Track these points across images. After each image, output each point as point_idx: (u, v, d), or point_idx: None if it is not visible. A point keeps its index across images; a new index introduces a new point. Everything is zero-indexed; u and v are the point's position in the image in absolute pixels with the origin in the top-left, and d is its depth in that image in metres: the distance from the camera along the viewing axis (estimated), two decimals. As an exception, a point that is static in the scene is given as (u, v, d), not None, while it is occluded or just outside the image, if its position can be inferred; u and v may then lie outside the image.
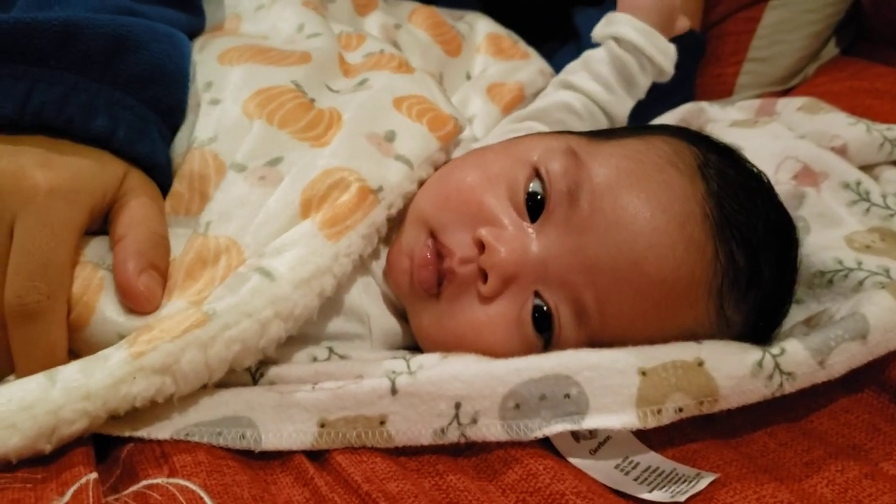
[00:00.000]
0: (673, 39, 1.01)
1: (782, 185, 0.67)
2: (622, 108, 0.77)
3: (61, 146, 0.51)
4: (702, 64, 1.05)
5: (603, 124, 0.77)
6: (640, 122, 0.96)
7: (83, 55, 0.53)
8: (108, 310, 0.50)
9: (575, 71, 0.78)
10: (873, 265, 0.59)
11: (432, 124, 0.63)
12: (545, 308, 0.53)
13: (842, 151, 0.71)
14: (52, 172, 0.50)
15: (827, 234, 0.63)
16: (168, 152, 0.58)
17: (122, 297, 0.50)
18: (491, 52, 0.93)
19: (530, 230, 0.54)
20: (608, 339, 0.52)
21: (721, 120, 0.83)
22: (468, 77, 0.91)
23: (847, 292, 0.59)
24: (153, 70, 0.57)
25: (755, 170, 0.59)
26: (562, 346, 0.53)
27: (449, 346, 0.54)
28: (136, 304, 0.50)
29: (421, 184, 0.61)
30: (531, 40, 0.97)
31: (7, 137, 0.51)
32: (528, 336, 0.53)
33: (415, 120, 0.63)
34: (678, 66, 1.01)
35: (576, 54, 0.94)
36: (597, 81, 0.76)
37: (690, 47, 1.03)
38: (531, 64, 0.92)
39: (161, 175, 0.57)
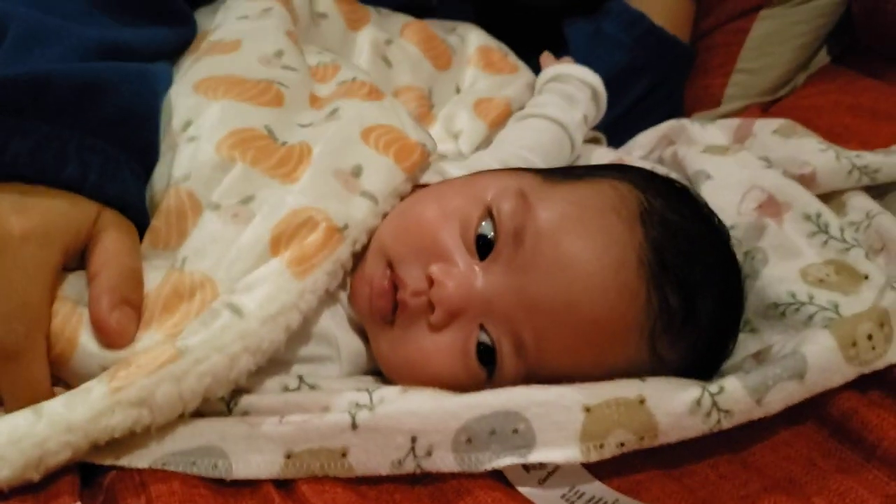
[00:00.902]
0: (664, 50, 1.03)
1: (745, 215, 0.70)
2: (571, 118, 0.84)
3: (35, 191, 0.54)
4: (690, 75, 1.07)
5: (558, 134, 0.82)
6: (628, 134, 0.98)
7: (54, 105, 0.56)
8: (88, 344, 0.53)
9: (524, 109, 0.87)
10: (824, 300, 0.62)
11: (398, 155, 0.66)
12: (489, 342, 0.57)
13: (811, 178, 0.73)
14: (24, 218, 0.53)
15: (784, 265, 0.66)
16: (143, 191, 0.61)
17: (96, 333, 0.53)
18: (481, 66, 0.95)
19: (478, 268, 0.57)
20: (544, 373, 0.55)
21: (699, 141, 0.85)
22: (458, 90, 0.94)
23: (798, 325, 0.62)
24: (123, 112, 0.60)
25: (704, 211, 0.61)
26: (504, 376, 0.56)
27: (402, 370, 0.58)
28: (109, 339, 0.53)
29: (385, 216, 0.64)
30: (522, 51, 1.00)
31: None
32: (472, 366, 0.57)
33: (381, 152, 0.66)
34: (666, 78, 1.04)
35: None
36: (543, 104, 0.85)
37: (679, 59, 1.05)
38: (519, 78, 0.94)
39: (136, 214, 0.59)
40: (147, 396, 0.51)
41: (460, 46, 0.97)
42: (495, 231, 0.58)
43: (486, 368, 0.57)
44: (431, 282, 0.57)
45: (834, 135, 0.83)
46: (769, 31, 1.03)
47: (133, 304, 0.55)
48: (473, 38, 0.98)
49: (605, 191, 0.59)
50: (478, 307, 0.56)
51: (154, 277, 0.58)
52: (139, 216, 0.60)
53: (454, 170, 0.71)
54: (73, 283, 0.56)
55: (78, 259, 0.57)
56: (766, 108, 1.03)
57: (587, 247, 0.55)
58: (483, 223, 0.59)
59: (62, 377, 0.55)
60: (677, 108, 1.04)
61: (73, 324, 0.54)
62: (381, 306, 0.59)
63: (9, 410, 0.51)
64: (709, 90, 1.05)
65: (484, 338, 0.57)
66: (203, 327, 0.54)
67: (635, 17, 1.02)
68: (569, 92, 0.87)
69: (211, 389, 0.53)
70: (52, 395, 0.52)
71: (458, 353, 0.57)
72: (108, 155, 0.58)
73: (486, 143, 0.86)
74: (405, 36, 0.95)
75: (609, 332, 0.55)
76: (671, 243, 0.56)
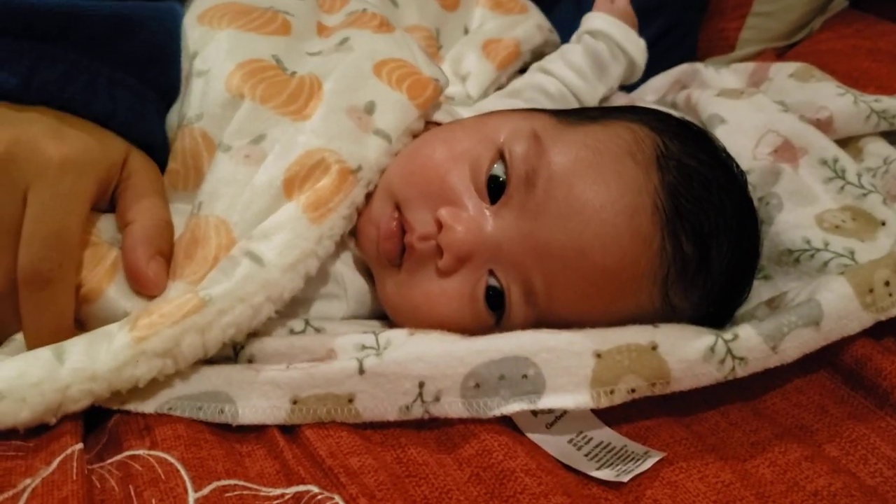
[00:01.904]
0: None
1: (760, 160, 0.68)
2: (593, 94, 0.82)
3: (69, 119, 0.54)
4: (704, 18, 1.04)
5: (573, 105, 0.81)
6: (640, 78, 0.96)
7: (85, 37, 0.55)
8: (117, 289, 0.53)
9: (552, 60, 0.84)
10: (839, 247, 0.61)
11: (412, 91, 0.64)
12: (498, 287, 0.55)
13: (828, 123, 0.72)
14: (63, 144, 0.52)
15: (799, 211, 0.64)
16: (165, 131, 0.61)
17: (132, 283, 0.53)
18: (489, 6, 0.93)
19: (488, 212, 0.56)
20: (554, 320, 0.54)
21: (713, 85, 0.83)
22: (466, 31, 0.92)
23: (812, 272, 0.61)
24: (154, 50, 0.59)
25: (722, 156, 0.60)
26: (512, 323, 0.56)
27: (407, 313, 0.57)
28: (146, 288, 0.53)
29: (396, 155, 0.62)
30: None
31: (17, 107, 0.53)
32: (480, 312, 0.56)
33: (394, 87, 0.64)
34: (681, 20, 1.01)
35: (574, 9, 0.94)
36: (571, 68, 0.81)
37: (693, 2, 1.02)
38: (529, 18, 0.92)
39: (159, 152, 0.59)
40: (172, 347, 0.51)
41: (469, -15, 0.94)
42: (507, 174, 0.56)
43: (495, 314, 0.56)
44: (440, 225, 0.55)
45: (852, 80, 0.81)
46: (787, -30, 1.00)
47: (165, 255, 0.55)
48: (482, -23, 0.95)
49: (620, 133, 0.57)
50: (487, 252, 0.55)
51: (178, 223, 0.58)
52: (162, 155, 0.59)
53: (465, 112, 0.70)
54: (108, 227, 0.56)
55: (108, 199, 0.56)
56: (782, 54, 1.01)
57: (600, 192, 0.54)
58: (495, 165, 0.57)
59: (79, 316, 0.54)
60: (691, 53, 1.02)
61: (107, 267, 0.54)
62: (388, 249, 0.57)
63: (28, 340, 0.51)
64: (723, 34, 1.03)
65: (493, 283, 0.56)
66: (224, 276, 0.53)
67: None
68: (603, 60, 0.82)
69: (233, 338, 0.53)
70: (72, 331, 0.52)
71: (466, 298, 0.56)
72: (138, 92, 0.57)
73: (494, 84, 0.85)
74: (412, -26, 0.92)
75: (621, 280, 0.54)
76: (687, 189, 0.55)
